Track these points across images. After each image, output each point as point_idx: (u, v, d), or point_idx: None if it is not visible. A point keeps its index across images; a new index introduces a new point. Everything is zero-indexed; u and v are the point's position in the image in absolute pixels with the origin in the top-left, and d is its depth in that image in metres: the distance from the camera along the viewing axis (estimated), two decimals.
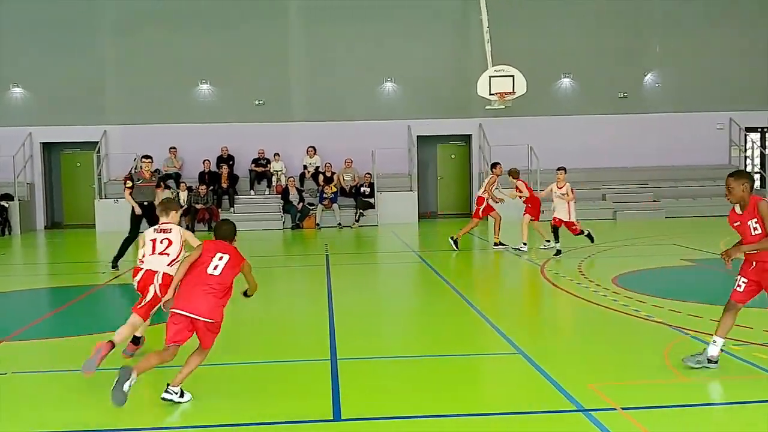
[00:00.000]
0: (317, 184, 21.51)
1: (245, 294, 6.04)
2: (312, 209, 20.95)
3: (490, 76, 19.35)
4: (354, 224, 20.77)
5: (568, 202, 13.40)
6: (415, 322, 8.85)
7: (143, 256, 6.51)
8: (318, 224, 20.72)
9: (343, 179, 21.73)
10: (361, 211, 21.00)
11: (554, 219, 13.51)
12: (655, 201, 21.87)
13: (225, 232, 5.95)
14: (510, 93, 19.18)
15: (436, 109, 22.64)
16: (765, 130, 23.89)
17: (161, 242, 6.53)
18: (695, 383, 5.83)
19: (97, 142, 22.02)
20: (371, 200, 21.36)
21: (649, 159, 22.98)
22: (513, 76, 19.20)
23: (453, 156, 23.96)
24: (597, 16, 22.87)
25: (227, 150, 21.98)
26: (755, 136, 23.96)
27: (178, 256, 6.47)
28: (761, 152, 23.95)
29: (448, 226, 19.24)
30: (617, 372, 6.27)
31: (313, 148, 22.16)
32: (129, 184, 12.50)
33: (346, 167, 21.86)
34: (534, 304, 9.71)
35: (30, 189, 22.07)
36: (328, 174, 21.60)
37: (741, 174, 6.05)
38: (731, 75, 22.90)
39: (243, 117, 22.43)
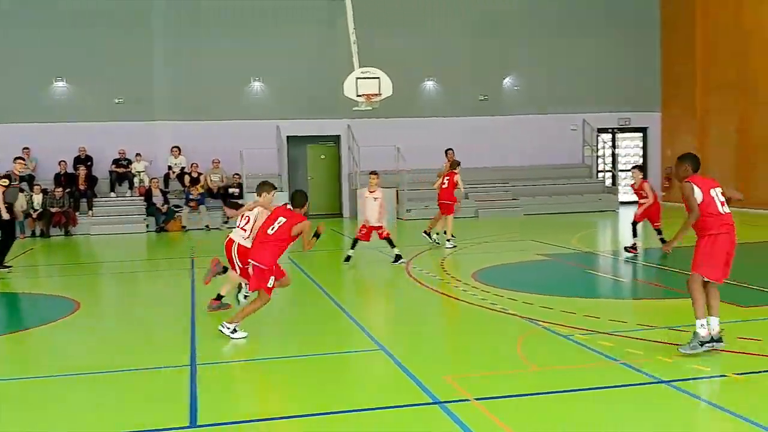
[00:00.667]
0: (183, 185, 20.96)
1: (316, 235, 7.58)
2: (178, 211, 20.40)
3: (357, 78, 19.49)
4: (222, 226, 20.39)
5: (380, 208, 12.70)
6: (280, 323, 8.82)
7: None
8: (184, 227, 20.20)
9: (211, 180, 21.29)
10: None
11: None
12: (514, 199, 22.83)
13: (296, 199, 7.69)
14: (376, 95, 19.41)
15: (305, 110, 22.59)
16: (615, 130, 25.48)
17: (243, 218, 8.35)
18: (545, 372, 6.17)
19: None
20: (240, 201, 21.03)
21: (509, 159, 23.94)
22: (379, 78, 19.43)
23: (323, 156, 24.00)
24: (460, 21, 23.57)
25: (85, 150, 21.00)
26: (606, 137, 25.51)
27: (250, 233, 8.08)
28: (612, 152, 25.56)
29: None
30: (473, 364, 6.54)
31: (178, 148, 21.58)
32: (6, 182, 11.90)
33: (214, 168, 21.43)
34: (397, 301, 9.92)
35: None
36: (195, 175, 21.09)
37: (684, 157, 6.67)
38: (584, 79, 24.24)
39: (102, 116, 21.48)
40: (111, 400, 5.74)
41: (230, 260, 8.23)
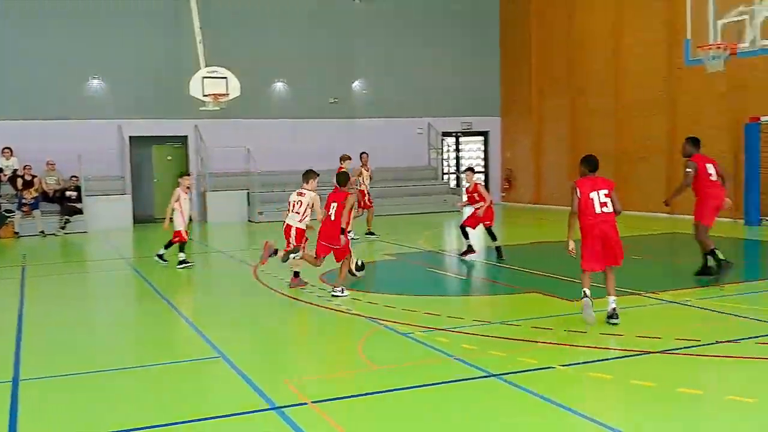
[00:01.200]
0: (15, 188, 19.58)
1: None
2: (10, 216, 19.03)
3: (204, 77, 19.06)
4: (59, 231, 19.26)
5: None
6: (117, 333, 8.45)
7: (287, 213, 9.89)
8: (17, 233, 18.88)
9: (46, 183, 20.03)
10: (66, 217, 19.52)
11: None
12: (378, 197, 23.12)
13: (340, 180, 9.98)
14: (224, 95, 19.07)
15: (149, 110, 21.77)
16: (458, 134, 26.43)
17: (296, 203, 9.92)
18: (384, 371, 6.28)
19: None
20: (78, 205, 19.96)
21: (358, 161, 24.20)
22: (226, 78, 19.11)
23: (169, 158, 23.23)
24: (309, 23, 23.59)
25: None
26: (450, 140, 26.42)
27: (304, 215, 9.77)
28: (456, 155, 26.50)
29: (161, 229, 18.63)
30: (313, 366, 6.56)
31: (9, 149, 20.15)
32: None
33: (49, 170, 20.18)
34: (242, 306, 9.75)
35: None
36: (28, 177, 19.75)
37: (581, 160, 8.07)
38: (429, 85, 24.97)
39: None
40: None
41: (289, 243, 9.85)
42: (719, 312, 8.16)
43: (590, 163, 7.87)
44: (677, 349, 6.61)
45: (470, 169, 13.56)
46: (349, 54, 24.21)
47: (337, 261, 9.60)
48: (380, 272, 12.14)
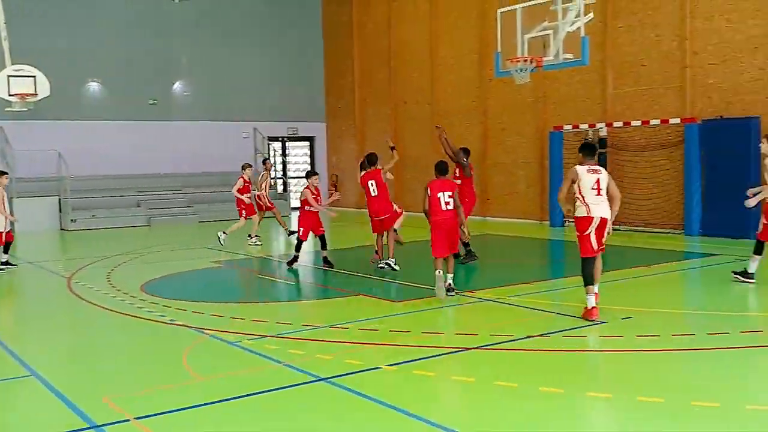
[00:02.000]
0: None
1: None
2: None
3: (9, 76, 17.66)
4: None
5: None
6: None
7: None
8: None
9: None
10: None
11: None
12: (189, 206, 22.51)
13: (371, 160, 11.78)
14: (31, 94, 17.79)
15: None
16: (285, 139, 26.42)
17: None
18: (211, 381, 6.16)
19: None
20: None
21: (183, 166, 23.57)
22: (35, 76, 17.84)
23: None
24: (126, 23, 22.61)
25: None
26: (277, 145, 26.34)
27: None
28: (282, 160, 26.47)
29: None
30: (136, 381, 6.30)
31: None
32: None
33: None
34: (55, 320, 9.16)
35: None
36: None
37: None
38: (255, 89, 24.79)
39: None
40: None
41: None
42: (530, 308, 8.77)
43: (439, 169, 9.46)
44: (493, 344, 7.03)
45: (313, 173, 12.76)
46: (170, 55, 23.49)
47: (386, 229, 11.46)
48: (207, 280, 11.88)
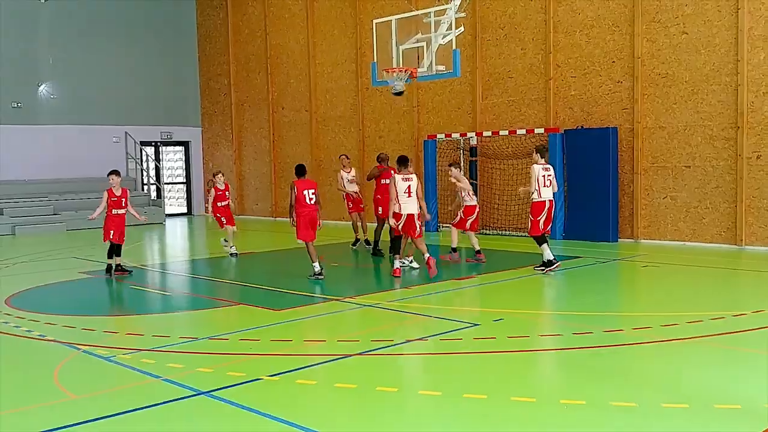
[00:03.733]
0: None
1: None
2: None
3: None
4: None
5: None
6: None
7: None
8: None
9: None
10: None
11: None
12: (56, 214, 21.48)
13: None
14: None
15: None
16: (158, 143, 25.70)
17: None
18: (86, 399, 5.96)
19: None
20: None
21: (48, 171, 22.47)
22: None
23: None
24: None
25: None
26: (150, 150, 25.58)
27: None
28: (156, 164, 25.71)
29: None
30: (5, 400, 6.01)
31: None
32: None
33: None
34: None
35: None
36: None
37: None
38: (126, 93, 24.00)
39: None
40: None
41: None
42: (408, 312, 9.03)
43: (299, 170, 11.34)
44: (374, 350, 7.20)
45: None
46: (35, 56, 22.34)
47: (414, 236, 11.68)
48: (77, 292, 11.40)
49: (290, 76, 22.81)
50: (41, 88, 22.73)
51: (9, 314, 9.18)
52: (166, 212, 24.31)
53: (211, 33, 25.51)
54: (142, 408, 5.66)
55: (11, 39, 21.87)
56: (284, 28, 22.87)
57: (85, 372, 6.80)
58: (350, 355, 7.04)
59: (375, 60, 14.44)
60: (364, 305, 9.47)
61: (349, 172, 15.44)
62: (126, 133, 24.19)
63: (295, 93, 22.67)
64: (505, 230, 17.24)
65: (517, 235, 16.81)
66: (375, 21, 14.76)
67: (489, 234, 17.28)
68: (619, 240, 15.68)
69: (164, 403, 5.79)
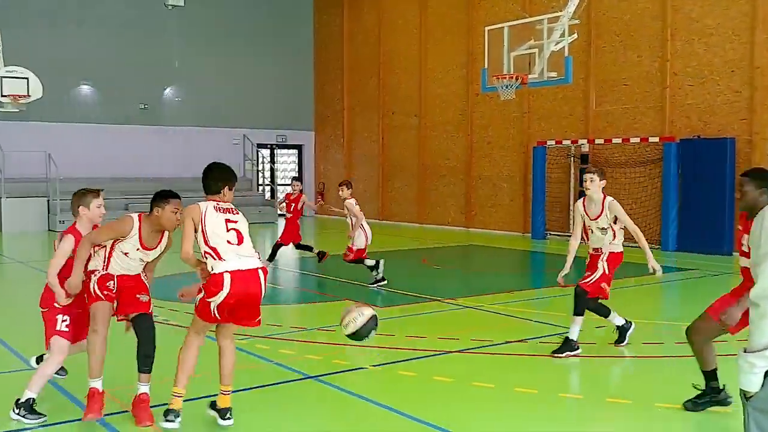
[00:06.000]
0: None
1: None
2: None
3: (2, 77, 17.94)
4: None
5: None
6: None
7: None
8: None
9: None
10: None
11: None
12: None
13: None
14: (24, 96, 18.06)
15: None
16: (273, 146, 26.75)
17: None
18: (205, 377, 6.46)
19: None
20: None
21: (171, 170, 23.82)
22: (27, 78, 18.12)
23: None
24: (119, 27, 22.87)
25: None
26: (266, 152, 26.67)
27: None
28: (270, 166, 26.79)
29: None
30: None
31: None
32: None
33: None
34: None
35: None
36: None
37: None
38: (246, 96, 25.10)
39: None
40: None
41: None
42: (509, 316, 9.16)
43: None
44: (473, 348, 7.40)
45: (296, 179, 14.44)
46: (162, 60, 23.75)
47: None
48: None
49: (401, 81, 23.25)
50: (166, 90, 24.14)
51: None
52: (279, 212, 25.23)
53: (326, 39, 26.33)
54: (256, 387, 6.11)
55: (140, 44, 23.32)
56: (397, 34, 23.34)
57: (206, 354, 7.30)
58: (449, 352, 7.27)
59: (485, 66, 14.61)
60: (466, 307, 9.67)
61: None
62: (244, 135, 25.32)
63: (405, 98, 23.09)
64: None
65: (630, 246, 16.46)
66: (487, 28, 14.94)
67: None
68: (733, 254, 15.14)
69: (275, 384, 6.23)
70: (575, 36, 13.72)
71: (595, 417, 5.53)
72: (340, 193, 11.92)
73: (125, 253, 5.46)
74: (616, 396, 5.88)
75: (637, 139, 16.59)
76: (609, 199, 7.27)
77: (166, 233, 5.73)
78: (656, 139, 16.19)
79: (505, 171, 20.19)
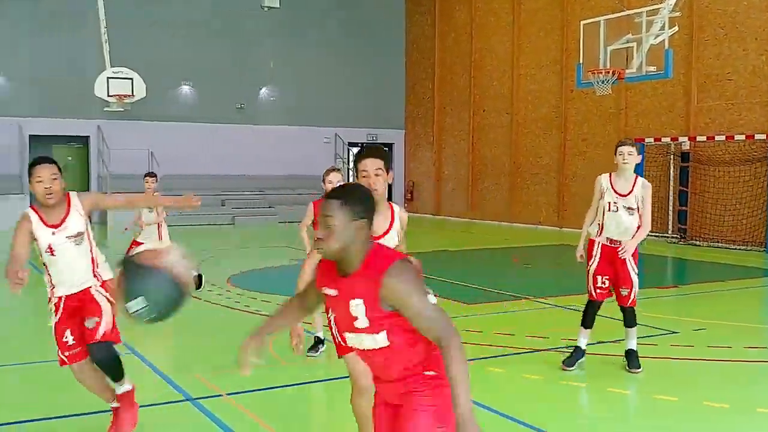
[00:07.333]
0: None
1: None
2: None
3: (108, 78, 18.81)
4: None
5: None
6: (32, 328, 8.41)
7: None
8: None
9: None
10: None
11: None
12: (270, 207, 23.29)
13: None
14: (129, 96, 18.88)
15: (50, 108, 21.22)
16: (364, 145, 26.98)
17: None
18: (293, 367, 6.59)
19: None
20: None
21: (265, 168, 24.38)
22: (132, 79, 18.93)
23: (70, 158, 22.67)
24: (216, 27, 23.57)
25: None
26: (356, 150, 26.93)
27: None
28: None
29: None
30: (226, 362, 6.78)
31: None
32: None
33: None
34: None
35: None
36: None
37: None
38: (338, 95, 25.42)
39: None
40: None
41: None
42: (601, 316, 8.88)
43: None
44: (563, 347, 7.23)
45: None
46: (257, 60, 24.34)
47: None
48: (289, 276, 12.38)
49: (493, 79, 23.00)
50: (261, 90, 24.73)
51: (229, 291, 10.23)
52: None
53: (418, 39, 26.35)
54: (335, 378, 6.17)
55: (237, 45, 23.95)
56: (489, 31, 23.12)
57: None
58: (539, 350, 7.14)
59: (580, 61, 14.29)
60: (556, 306, 9.47)
61: None
62: (335, 134, 25.65)
63: (497, 95, 22.83)
64: (718, 241, 16.23)
65: (732, 248, 15.78)
66: (583, 22, 14.61)
67: (700, 245, 16.36)
68: None
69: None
70: (676, 29, 13.23)
71: (692, 418, 5.30)
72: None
73: (46, 250, 4.50)
74: (715, 400, 5.62)
75: (742, 137, 15.83)
76: (642, 179, 6.39)
77: (74, 208, 4.55)
78: (763, 137, 15.40)
79: (600, 169, 19.51)
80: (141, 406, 5.33)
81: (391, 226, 4.07)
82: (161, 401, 5.55)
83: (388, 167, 3.93)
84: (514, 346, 7.37)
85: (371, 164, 3.83)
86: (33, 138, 21.19)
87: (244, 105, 24.27)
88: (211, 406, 5.41)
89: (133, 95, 19.00)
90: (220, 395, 5.64)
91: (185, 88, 23.50)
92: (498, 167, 22.52)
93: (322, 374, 6.28)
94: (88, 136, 22.16)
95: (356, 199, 2.78)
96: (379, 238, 3.89)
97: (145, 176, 10.01)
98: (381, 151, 3.97)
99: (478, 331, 7.94)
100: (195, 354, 7.11)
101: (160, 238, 9.31)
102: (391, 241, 4.01)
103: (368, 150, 3.90)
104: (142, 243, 8.85)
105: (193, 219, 21.68)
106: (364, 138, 26.55)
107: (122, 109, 19.42)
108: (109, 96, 18.79)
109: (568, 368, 6.40)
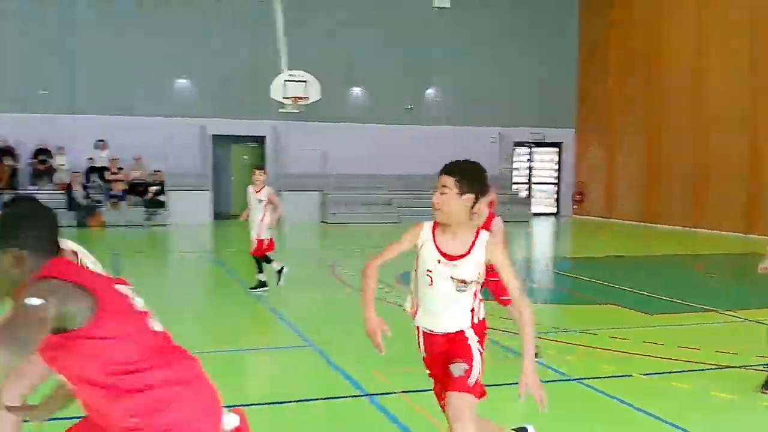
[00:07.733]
0: (104, 180, 20.59)
1: None
2: (99, 207, 20.04)
3: (285, 80, 19.70)
4: (144, 223, 20.17)
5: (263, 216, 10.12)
6: (203, 319, 8.95)
7: None
8: (104, 222, 19.86)
9: (132, 176, 20.99)
10: (150, 209, 20.44)
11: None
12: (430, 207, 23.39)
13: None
14: (303, 98, 19.66)
15: (230, 109, 22.54)
16: (531, 144, 26.47)
17: None
18: None
19: None
20: (162, 198, 20.86)
21: (432, 167, 24.41)
22: (307, 81, 19.71)
23: (245, 157, 23.98)
24: (387, 33, 23.98)
25: (7, 142, 20.39)
26: (522, 150, 26.47)
27: None
28: (528, 165, 26.55)
29: (242, 226, 19.31)
30: (399, 360, 6.85)
31: (103, 141, 21.17)
32: None
33: (136, 164, 21.15)
34: (324, 302, 10.17)
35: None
36: (115, 170, 20.76)
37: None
38: (502, 94, 25.04)
39: (24, 107, 20.78)
40: None
41: None
42: None
43: None
44: (757, 365, 6.67)
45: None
46: (424, 61, 24.51)
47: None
48: None
49: (673, 77, 21.75)
50: (428, 91, 24.88)
51: (399, 288, 10.34)
52: (533, 211, 24.92)
53: (592, 37, 25.44)
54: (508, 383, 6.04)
55: (407, 46, 24.20)
56: (671, 28, 21.88)
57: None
58: (728, 367, 6.64)
59: None
60: (747, 320, 8.78)
61: (258, 192, 10.17)
62: (499, 133, 25.32)
63: (677, 94, 21.55)
64: None
65: None
66: None
67: None
68: None
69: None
70: None
71: None
72: (261, 178, 9.99)
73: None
74: None
75: None
76: None
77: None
78: None
79: None
80: (320, 399, 5.50)
81: (469, 253, 3.62)
82: (341, 395, 5.69)
83: (465, 188, 3.58)
84: (699, 360, 6.91)
85: (441, 179, 3.64)
86: (215, 138, 22.61)
87: (412, 106, 24.54)
88: (386, 402, 5.48)
89: (307, 97, 19.77)
90: (394, 393, 5.70)
91: (356, 90, 24.11)
92: (678, 169, 21.19)
93: (500, 378, 6.17)
94: (264, 136, 23.32)
95: None
96: (452, 259, 3.62)
97: (254, 169, 10.21)
98: (459, 167, 3.64)
99: (659, 343, 7.51)
100: (371, 351, 7.24)
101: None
102: (466, 272, 3.60)
103: (449, 163, 3.66)
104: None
105: (361, 216, 22.26)
106: (528, 137, 26.04)
107: (297, 111, 20.25)
108: (285, 98, 19.67)
109: (766, 392, 5.90)
